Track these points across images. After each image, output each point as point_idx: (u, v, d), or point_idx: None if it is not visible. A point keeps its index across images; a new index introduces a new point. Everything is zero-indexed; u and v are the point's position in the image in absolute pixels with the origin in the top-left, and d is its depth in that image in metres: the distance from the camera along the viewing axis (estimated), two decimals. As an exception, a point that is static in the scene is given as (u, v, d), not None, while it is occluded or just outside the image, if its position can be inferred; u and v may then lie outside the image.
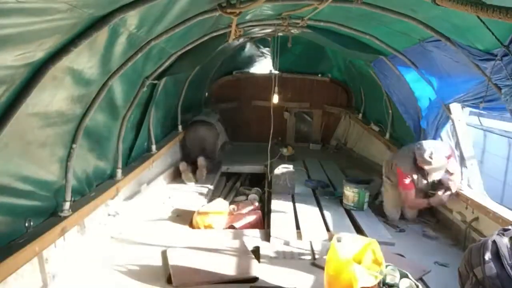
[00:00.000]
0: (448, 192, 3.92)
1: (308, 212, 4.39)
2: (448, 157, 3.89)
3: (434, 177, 3.98)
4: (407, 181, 4.01)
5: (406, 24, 3.12)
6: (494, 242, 2.20)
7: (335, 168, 6.27)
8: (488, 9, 1.35)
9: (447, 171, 3.94)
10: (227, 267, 3.12)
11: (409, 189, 4.02)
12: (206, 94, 7.78)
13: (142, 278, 2.96)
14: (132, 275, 3.01)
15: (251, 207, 4.66)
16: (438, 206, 4.41)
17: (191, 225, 4.09)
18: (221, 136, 6.43)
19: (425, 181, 4.04)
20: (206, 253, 3.36)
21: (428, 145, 3.87)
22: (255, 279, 2.99)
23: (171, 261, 3.16)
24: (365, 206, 4.42)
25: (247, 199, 5.25)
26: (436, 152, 3.79)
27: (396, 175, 4.14)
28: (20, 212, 2.43)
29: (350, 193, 4.43)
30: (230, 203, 4.85)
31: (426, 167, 3.88)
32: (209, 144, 6.09)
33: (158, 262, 3.23)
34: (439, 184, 4.04)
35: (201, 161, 5.66)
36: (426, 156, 3.77)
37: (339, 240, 2.68)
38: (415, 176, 4.01)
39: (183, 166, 5.59)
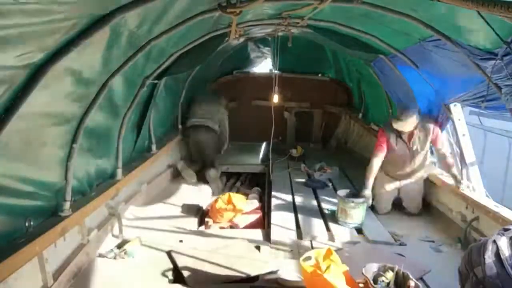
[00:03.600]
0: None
1: (308, 212, 4.38)
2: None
3: (417, 145, 4.21)
4: (383, 140, 4.30)
5: (406, 24, 3.12)
6: (494, 241, 2.19)
7: (335, 168, 6.26)
8: (489, 4, 1.34)
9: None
10: (229, 266, 3.13)
11: (377, 146, 4.32)
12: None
13: (148, 278, 2.97)
14: (137, 274, 3.02)
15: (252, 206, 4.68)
16: (438, 205, 4.40)
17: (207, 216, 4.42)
18: (223, 137, 6.23)
19: (405, 147, 4.25)
20: (209, 253, 3.37)
21: (406, 109, 4.09)
22: (256, 278, 3.00)
23: (179, 261, 3.18)
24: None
25: (247, 199, 5.26)
26: (408, 113, 4.01)
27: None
28: (20, 212, 2.43)
29: (355, 210, 3.99)
30: None
31: (395, 125, 4.11)
32: (208, 149, 5.91)
33: (163, 261, 3.24)
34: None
35: (180, 165, 5.68)
36: (399, 114, 4.08)
37: (307, 259, 2.74)
38: (393, 139, 4.26)
39: (180, 164, 5.62)
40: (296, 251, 3.47)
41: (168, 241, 3.59)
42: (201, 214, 4.53)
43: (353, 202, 4.01)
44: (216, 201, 4.44)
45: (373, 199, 4.37)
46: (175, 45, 3.89)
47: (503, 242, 2.19)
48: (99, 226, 3.44)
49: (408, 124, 4.07)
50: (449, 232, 3.94)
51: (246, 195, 5.49)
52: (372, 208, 4.40)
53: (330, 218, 4.22)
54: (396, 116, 4.13)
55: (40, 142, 2.45)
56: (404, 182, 4.42)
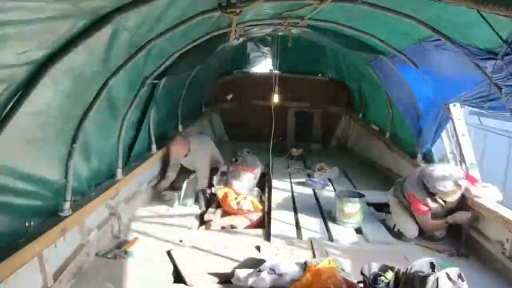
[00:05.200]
0: (467, 213, 3.61)
1: (308, 212, 4.38)
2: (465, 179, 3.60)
3: (449, 200, 3.64)
4: (421, 206, 3.67)
5: (406, 24, 3.12)
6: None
7: (335, 168, 6.27)
8: (488, 3, 1.34)
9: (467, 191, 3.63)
10: (229, 266, 3.13)
11: (424, 213, 3.70)
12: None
13: (149, 278, 2.97)
14: (137, 274, 3.02)
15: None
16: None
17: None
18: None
19: (437, 205, 3.67)
20: (209, 252, 3.37)
21: (437, 173, 3.56)
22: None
23: (178, 261, 3.18)
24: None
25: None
26: (445, 179, 3.49)
27: (407, 198, 3.82)
28: (20, 212, 2.43)
29: (353, 209, 3.99)
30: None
31: (438, 195, 3.60)
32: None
33: (163, 261, 3.24)
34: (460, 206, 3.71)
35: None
36: (436, 186, 3.51)
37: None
38: (428, 201, 3.65)
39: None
40: (296, 251, 3.47)
41: (168, 241, 3.59)
42: (201, 214, 4.54)
43: (350, 201, 4.01)
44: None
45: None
46: (175, 45, 3.89)
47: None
48: (99, 226, 3.43)
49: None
50: (448, 232, 3.94)
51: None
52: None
53: (329, 218, 4.22)
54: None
55: (40, 142, 2.45)
56: None
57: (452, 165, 4.05)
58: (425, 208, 3.68)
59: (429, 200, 3.65)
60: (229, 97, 8.22)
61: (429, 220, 3.72)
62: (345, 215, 4.01)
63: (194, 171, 5.08)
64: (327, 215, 4.30)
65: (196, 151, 5.03)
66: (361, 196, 4.18)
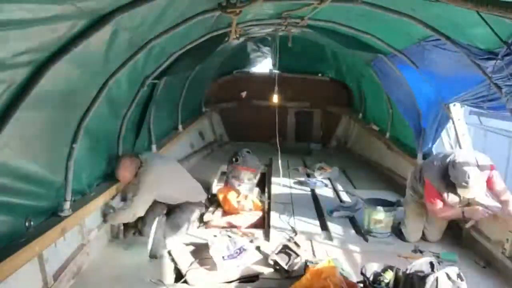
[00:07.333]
0: (486, 210, 3.37)
1: (308, 212, 4.38)
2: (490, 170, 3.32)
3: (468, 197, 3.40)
4: (435, 200, 3.46)
5: (406, 24, 3.12)
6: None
7: (335, 168, 6.27)
8: (488, 5, 1.34)
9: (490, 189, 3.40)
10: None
11: (435, 202, 3.48)
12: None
13: (149, 278, 2.97)
14: (137, 274, 3.02)
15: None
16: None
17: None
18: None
19: (456, 196, 3.40)
20: (209, 252, 3.37)
21: (463, 164, 3.19)
22: (256, 277, 3.01)
23: (179, 261, 3.19)
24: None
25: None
26: (471, 174, 3.15)
27: (423, 186, 3.59)
28: (20, 212, 2.43)
29: (387, 219, 3.78)
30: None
31: (460, 191, 3.27)
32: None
33: (163, 261, 3.25)
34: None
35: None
36: (461, 180, 3.17)
37: None
38: (444, 191, 3.41)
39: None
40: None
41: (169, 241, 3.59)
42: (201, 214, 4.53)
43: (383, 211, 3.78)
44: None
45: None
46: (175, 45, 3.89)
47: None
48: (99, 226, 3.43)
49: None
50: (448, 232, 3.94)
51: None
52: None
53: (328, 218, 4.22)
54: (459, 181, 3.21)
55: (40, 142, 2.45)
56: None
57: (477, 153, 3.49)
58: (439, 206, 3.45)
59: (445, 195, 3.40)
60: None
61: (440, 207, 3.47)
62: (377, 224, 3.80)
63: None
64: (326, 214, 4.29)
65: (145, 175, 3.59)
66: (392, 204, 3.93)
